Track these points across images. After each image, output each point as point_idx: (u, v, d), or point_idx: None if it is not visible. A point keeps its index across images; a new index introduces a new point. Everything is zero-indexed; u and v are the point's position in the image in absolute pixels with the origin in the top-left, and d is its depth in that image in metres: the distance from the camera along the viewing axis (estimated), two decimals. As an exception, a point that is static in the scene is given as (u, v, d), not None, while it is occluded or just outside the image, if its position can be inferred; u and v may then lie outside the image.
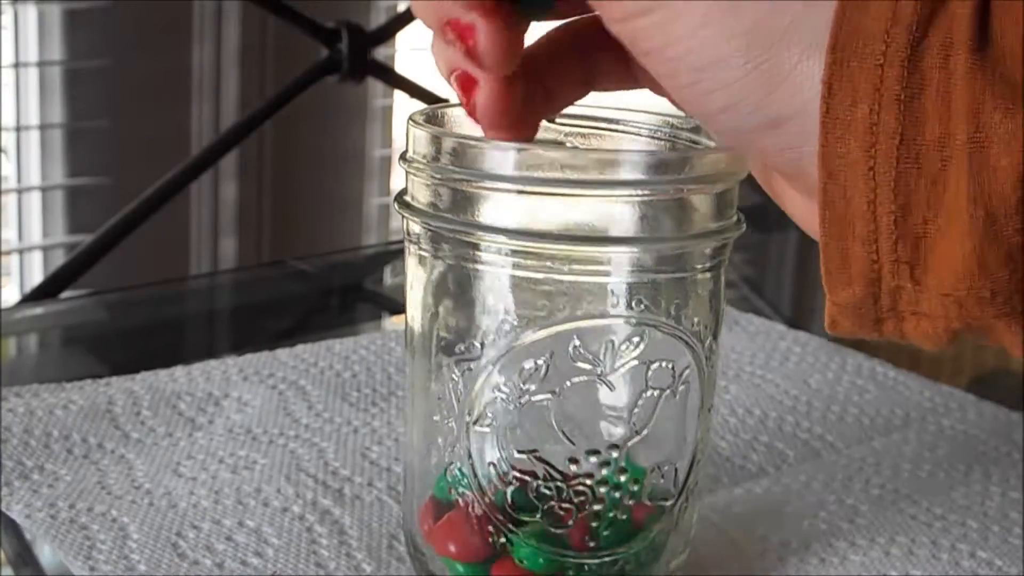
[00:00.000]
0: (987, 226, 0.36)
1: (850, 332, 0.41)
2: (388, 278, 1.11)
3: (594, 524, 0.49)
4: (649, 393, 0.49)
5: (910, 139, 0.37)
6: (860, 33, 0.37)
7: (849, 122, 0.37)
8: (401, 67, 1.70)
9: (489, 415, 0.49)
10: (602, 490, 0.49)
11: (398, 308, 1.12)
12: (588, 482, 0.49)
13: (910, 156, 0.37)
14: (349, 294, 1.10)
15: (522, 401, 0.48)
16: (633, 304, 0.48)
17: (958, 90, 0.36)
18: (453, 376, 0.49)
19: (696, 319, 0.49)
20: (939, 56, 0.36)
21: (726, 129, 0.41)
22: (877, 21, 0.37)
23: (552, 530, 0.49)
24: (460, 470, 0.50)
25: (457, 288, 0.49)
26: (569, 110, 0.51)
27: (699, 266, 0.49)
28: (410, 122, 0.50)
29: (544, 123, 0.53)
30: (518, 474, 0.49)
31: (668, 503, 0.51)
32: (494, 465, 0.49)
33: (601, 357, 0.48)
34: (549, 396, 0.48)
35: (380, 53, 1.42)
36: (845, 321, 0.41)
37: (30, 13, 1.53)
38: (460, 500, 0.50)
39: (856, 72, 0.37)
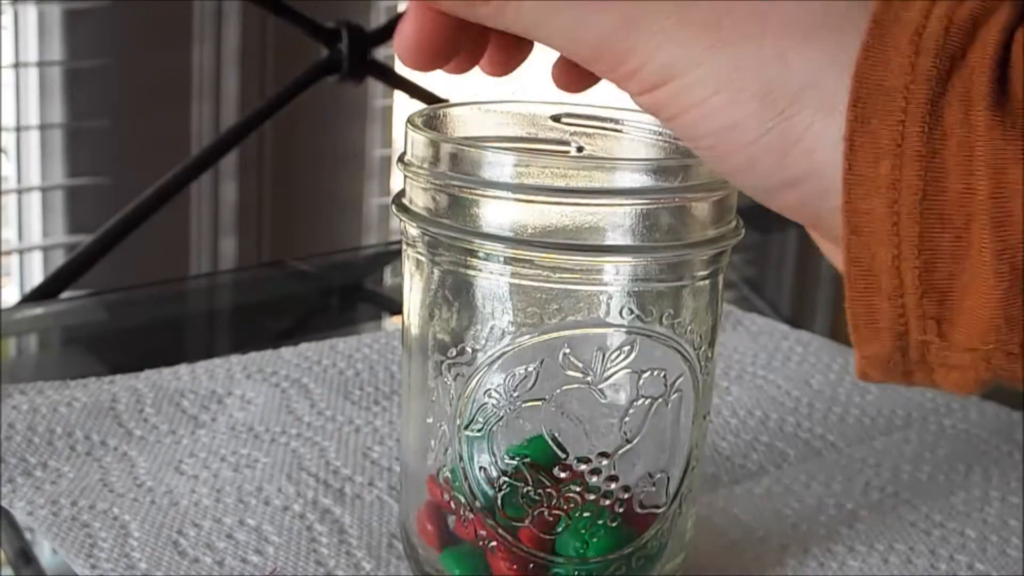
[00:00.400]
0: (1012, 281, 0.37)
1: (881, 381, 0.41)
2: (388, 278, 1.11)
3: (584, 531, 0.49)
4: (640, 402, 0.49)
5: (932, 195, 0.37)
6: (880, 91, 0.37)
7: (872, 179, 0.37)
8: (401, 67, 1.70)
9: (480, 420, 0.49)
10: (591, 497, 0.49)
11: (398, 308, 1.12)
12: (577, 489, 0.49)
13: (933, 212, 0.37)
14: (349, 294, 1.10)
15: (513, 407, 0.48)
16: (624, 313, 0.48)
17: (979, 145, 0.36)
18: (446, 380, 0.49)
19: (691, 327, 0.49)
20: (959, 111, 0.37)
21: (747, 187, 0.41)
22: (896, 77, 0.37)
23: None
24: (452, 472, 0.50)
25: (452, 292, 0.49)
26: (574, 110, 0.51)
27: (697, 274, 0.49)
28: (408, 125, 0.50)
29: (549, 122, 0.53)
30: (508, 479, 0.49)
31: (660, 510, 0.51)
32: (484, 470, 0.49)
33: (592, 365, 0.48)
34: (539, 403, 0.48)
35: (380, 53, 1.42)
36: (875, 373, 0.41)
37: (30, 13, 1.53)
38: (452, 503, 0.50)
39: (877, 129, 0.37)
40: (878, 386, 0.78)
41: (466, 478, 0.49)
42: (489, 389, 0.48)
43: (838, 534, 0.60)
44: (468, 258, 0.47)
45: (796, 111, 0.39)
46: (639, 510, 0.50)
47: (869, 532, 0.61)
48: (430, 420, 0.50)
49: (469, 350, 0.48)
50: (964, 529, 0.62)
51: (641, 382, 0.49)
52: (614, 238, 0.46)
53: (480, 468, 0.49)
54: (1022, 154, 0.36)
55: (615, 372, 0.48)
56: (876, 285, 0.39)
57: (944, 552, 0.59)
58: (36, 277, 1.54)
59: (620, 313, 0.47)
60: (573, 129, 0.54)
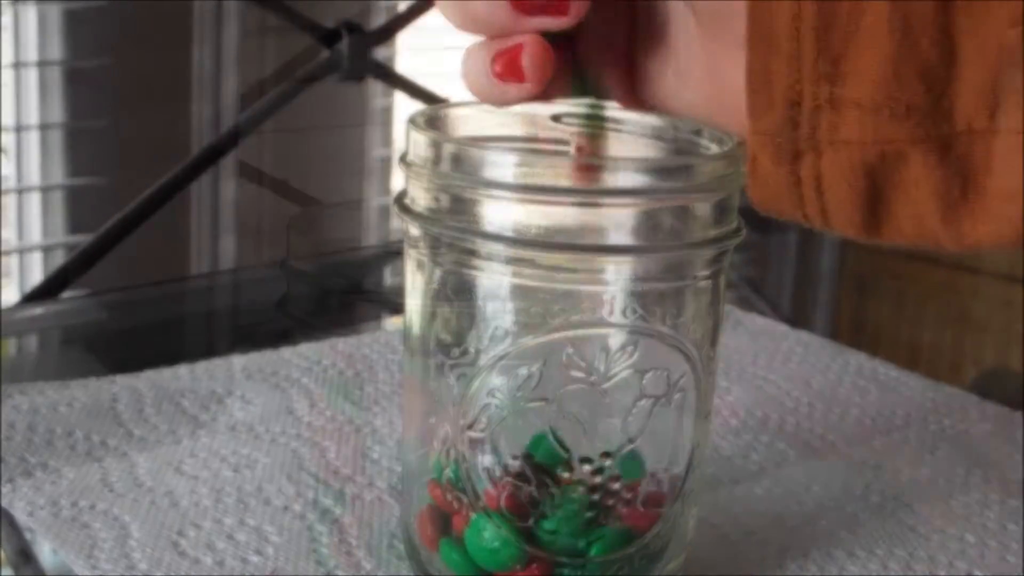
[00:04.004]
0: (904, 37, 0.38)
1: (770, 181, 0.42)
2: (388, 278, 1.11)
3: (588, 530, 0.49)
4: (643, 401, 0.49)
5: None
6: None
7: None
8: (401, 67, 1.70)
9: (483, 420, 0.49)
10: (595, 497, 0.49)
11: (398, 308, 1.12)
12: (581, 489, 0.49)
13: None
14: (349, 294, 1.10)
15: (516, 408, 0.48)
16: (628, 312, 0.48)
17: None
18: (449, 380, 0.49)
19: (693, 327, 0.49)
20: None
21: None
22: None
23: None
24: (455, 473, 0.50)
25: (454, 292, 0.49)
26: (575, 110, 0.51)
27: (698, 274, 0.49)
28: (410, 124, 0.49)
29: (550, 122, 0.53)
30: (512, 479, 0.49)
31: (662, 510, 0.51)
32: (488, 470, 0.49)
33: (595, 365, 0.48)
34: (542, 403, 0.48)
35: (380, 53, 1.42)
36: (765, 159, 0.42)
37: (30, 13, 1.53)
38: (455, 503, 0.50)
39: None
40: (878, 386, 0.78)
41: (469, 478, 0.49)
42: (492, 389, 0.48)
43: (838, 538, 0.60)
44: (470, 258, 0.47)
45: None
46: (641, 509, 0.50)
47: (869, 537, 0.61)
48: (432, 421, 0.50)
49: (472, 351, 0.48)
50: (963, 535, 0.61)
51: (644, 382, 0.48)
52: (616, 238, 0.46)
53: (483, 469, 0.49)
54: None
55: (618, 372, 0.48)
56: (775, 46, 0.40)
57: (943, 558, 0.59)
58: (36, 277, 1.54)
59: (623, 313, 0.47)
60: (574, 129, 0.53)
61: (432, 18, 1.36)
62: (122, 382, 0.71)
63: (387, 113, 1.83)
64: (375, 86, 1.74)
